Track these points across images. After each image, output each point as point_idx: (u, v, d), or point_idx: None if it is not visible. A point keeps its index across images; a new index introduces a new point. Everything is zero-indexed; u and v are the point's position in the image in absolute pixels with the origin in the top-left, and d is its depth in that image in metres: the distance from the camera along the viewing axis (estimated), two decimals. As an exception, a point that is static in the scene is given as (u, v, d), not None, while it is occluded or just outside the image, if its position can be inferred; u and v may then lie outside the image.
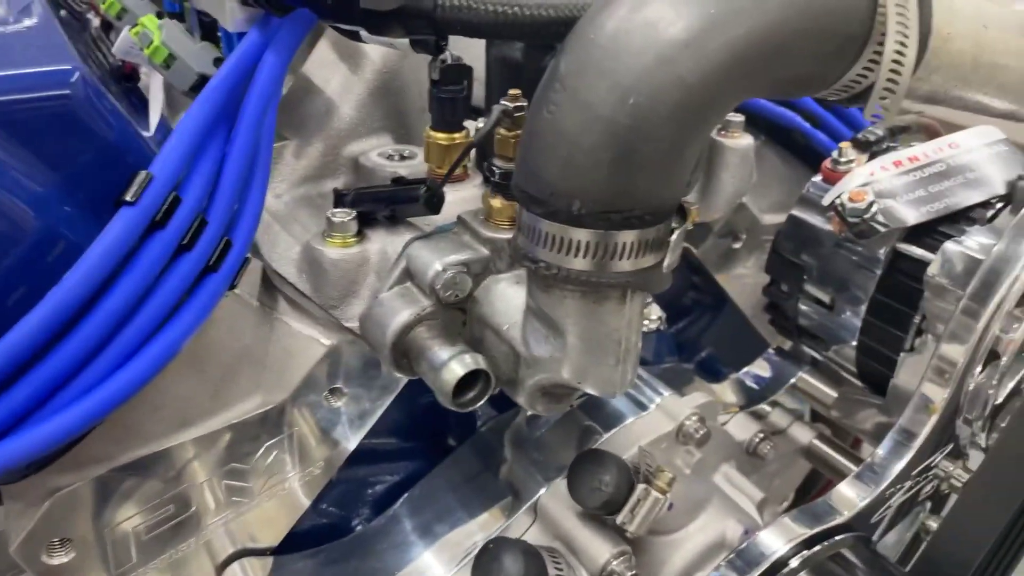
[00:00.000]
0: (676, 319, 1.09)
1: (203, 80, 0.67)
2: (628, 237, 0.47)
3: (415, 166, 0.71)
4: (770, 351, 1.03)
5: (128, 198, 0.50)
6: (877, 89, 0.49)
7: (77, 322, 0.49)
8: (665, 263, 0.49)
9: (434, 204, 0.61)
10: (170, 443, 0.61)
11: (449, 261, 0.59)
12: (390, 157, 0.74)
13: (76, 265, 0.49)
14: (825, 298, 0.87)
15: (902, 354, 0.78)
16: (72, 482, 0.59)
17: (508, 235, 0.60)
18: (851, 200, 0.77)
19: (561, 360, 0.53)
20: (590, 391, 0.54)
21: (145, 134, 0.76)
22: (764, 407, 0.97)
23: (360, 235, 0.64)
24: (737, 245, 1.06)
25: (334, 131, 0.74)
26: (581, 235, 0.47)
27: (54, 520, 0.60)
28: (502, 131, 0.58)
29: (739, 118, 0.84)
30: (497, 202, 0.60)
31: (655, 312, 0.99)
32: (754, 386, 0.99)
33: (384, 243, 0.64)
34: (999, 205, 0.77)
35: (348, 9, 0.51)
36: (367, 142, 0.76)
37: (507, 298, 0.59)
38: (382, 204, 0.64)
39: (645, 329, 0.97)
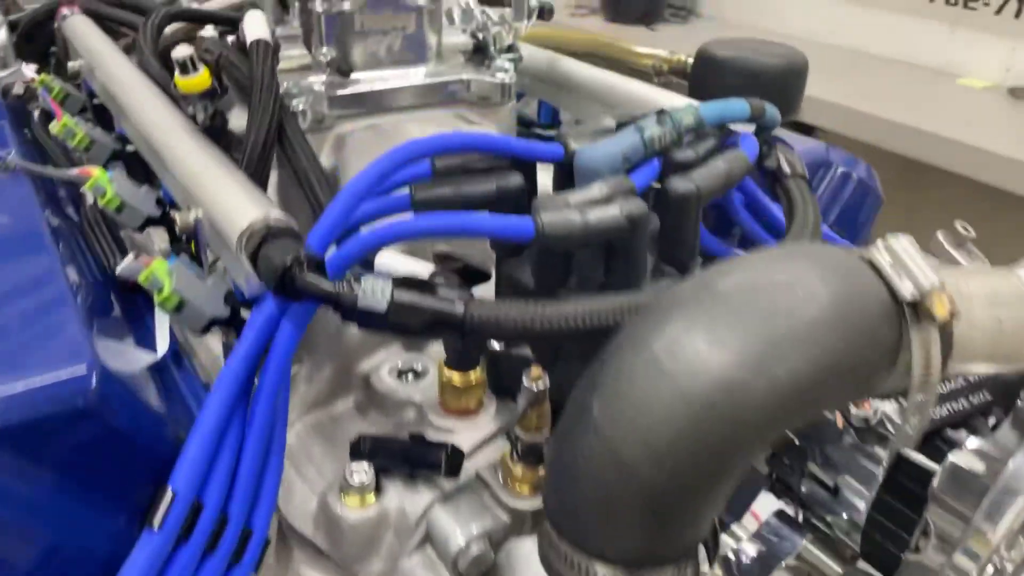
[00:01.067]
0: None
1: (213, 322, 0.66)
2: (654, 574, 0.47)
3: (428, 389, 0.71)
4: (771, 516, 1.03)
5: (154, 524, 0.49)
6: (910, 406, 0.51)
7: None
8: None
9: (454, 469, 0.61)
10: None
11: (472, 535, 0.59)
12: (402, 376, 0.73)
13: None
14: (829, 482, 0.88)
15: (907, 552, 0.79)
16: None
17: (529, 503, 0.60)
18: (855, 406, 0.78)
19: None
20: None
21: (149, 358, 0.75)
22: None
23: (377, 488, 0.64)
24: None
25: (344, 350, 0.74)
26: (607, 571, 0.47)
27: None
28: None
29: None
30: (518, 470, 0.60)
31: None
32: (753, 563, 1.00)
33: (403, 499, 0.63)
34: (999, 413, 0.78)
35: (377, 321, 0.51)
36: (377, 357, 0.76)
37: (530, 569, 0.59)
38: (399, 460, 0.63)
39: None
